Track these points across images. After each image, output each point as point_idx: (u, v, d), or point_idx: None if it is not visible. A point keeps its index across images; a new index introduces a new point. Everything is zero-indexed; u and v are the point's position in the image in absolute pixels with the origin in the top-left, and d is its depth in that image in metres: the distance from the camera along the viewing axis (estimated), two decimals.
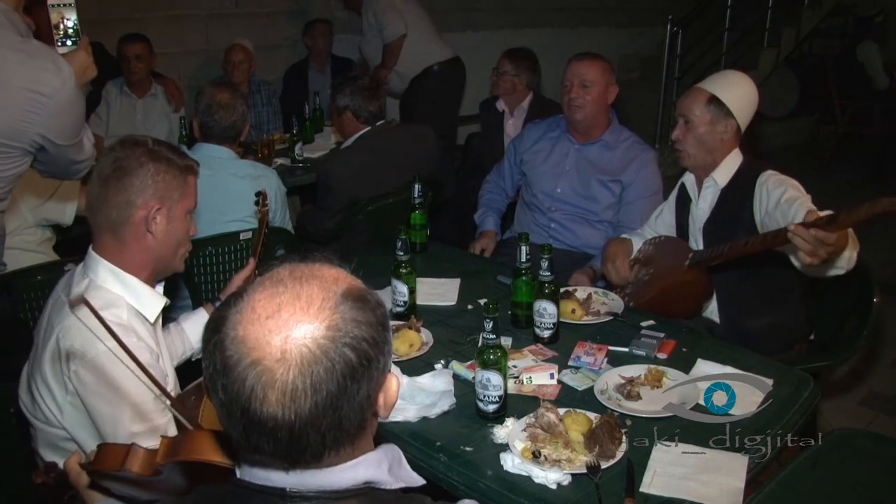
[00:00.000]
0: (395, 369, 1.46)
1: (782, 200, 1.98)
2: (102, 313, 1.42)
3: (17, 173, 1.68)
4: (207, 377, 0.85)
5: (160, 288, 1.62)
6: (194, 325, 1.87)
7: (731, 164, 2.20)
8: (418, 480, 0.97)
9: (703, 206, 2.27)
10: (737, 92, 2.20)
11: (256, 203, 2.18)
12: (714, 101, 2.17)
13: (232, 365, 0.81)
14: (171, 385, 1.57)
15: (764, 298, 2.21)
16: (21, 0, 1.67)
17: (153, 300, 1.55)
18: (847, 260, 1.82)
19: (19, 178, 1.72)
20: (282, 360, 0.80)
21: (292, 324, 0.81)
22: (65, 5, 1.75)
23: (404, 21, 4.40)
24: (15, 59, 1.53)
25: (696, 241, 2.28)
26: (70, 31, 1.77)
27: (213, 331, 0.85)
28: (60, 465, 1.23)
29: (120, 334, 1.41)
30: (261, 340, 0.81)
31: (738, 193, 2.16)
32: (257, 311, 0.83)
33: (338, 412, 0.83)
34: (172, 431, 1.44)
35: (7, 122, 1.56)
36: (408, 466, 0.97)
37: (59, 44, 1.78)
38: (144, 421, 1.43)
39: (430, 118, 3.89)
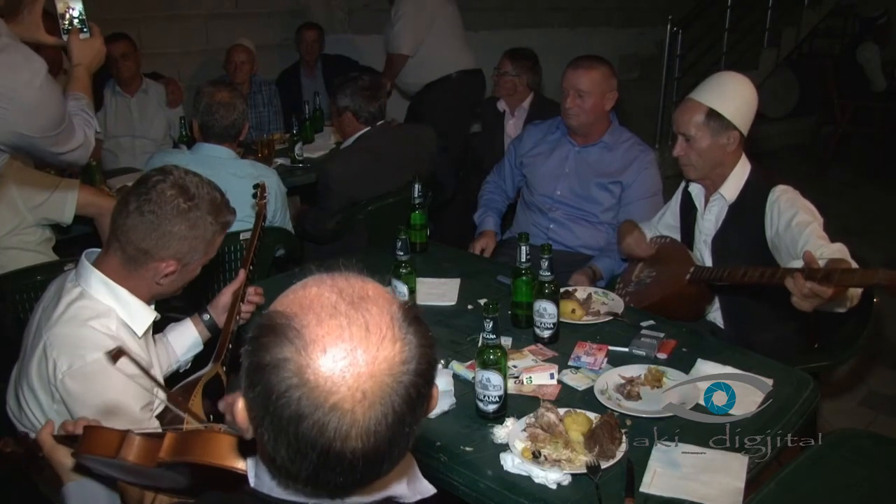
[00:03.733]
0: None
1: (793, 224, 1.93)
2: (91, 323, 1.43)
3: None
4: (274, 429, 0.79)
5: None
6: (180, 336, 1.86)
7: (739, 176, 2.14)
8: (430, 490, 0.96)
9: (709, 218, 2.22)
10: (736, 101, 2.10)
11: (254, 196, 2.15)
12: (713, 114, 2.08)
13: (308, 413, 0.77)
14: (162, 396, 1.57)
15: (770, 313, 2.16)
16: (4, 5, 1.64)
17: (143, 314, 1.55)
18: (850, 300, 1.79)
19: None
20: (363, 399, 0.77)
21: (369, 361, 0.78)
22: None
23: (415, 43, 4.24)
24: None
25: (702, 254, 2.25)
26: (76, 20, 1.76)
27: (278, 377, 0.77)
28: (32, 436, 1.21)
29: (108, 345, 1.42)
30: (338, 384, 0.77)
31: (748, 209, 2.10)
32: (329, 352, 0.77)
33: (408, 434, 0.83)
34: None
35: None
36: (420, 476, 0.97)
37: (65, 32, 1.76)
38: None
39: (441, 125, 3.76)
